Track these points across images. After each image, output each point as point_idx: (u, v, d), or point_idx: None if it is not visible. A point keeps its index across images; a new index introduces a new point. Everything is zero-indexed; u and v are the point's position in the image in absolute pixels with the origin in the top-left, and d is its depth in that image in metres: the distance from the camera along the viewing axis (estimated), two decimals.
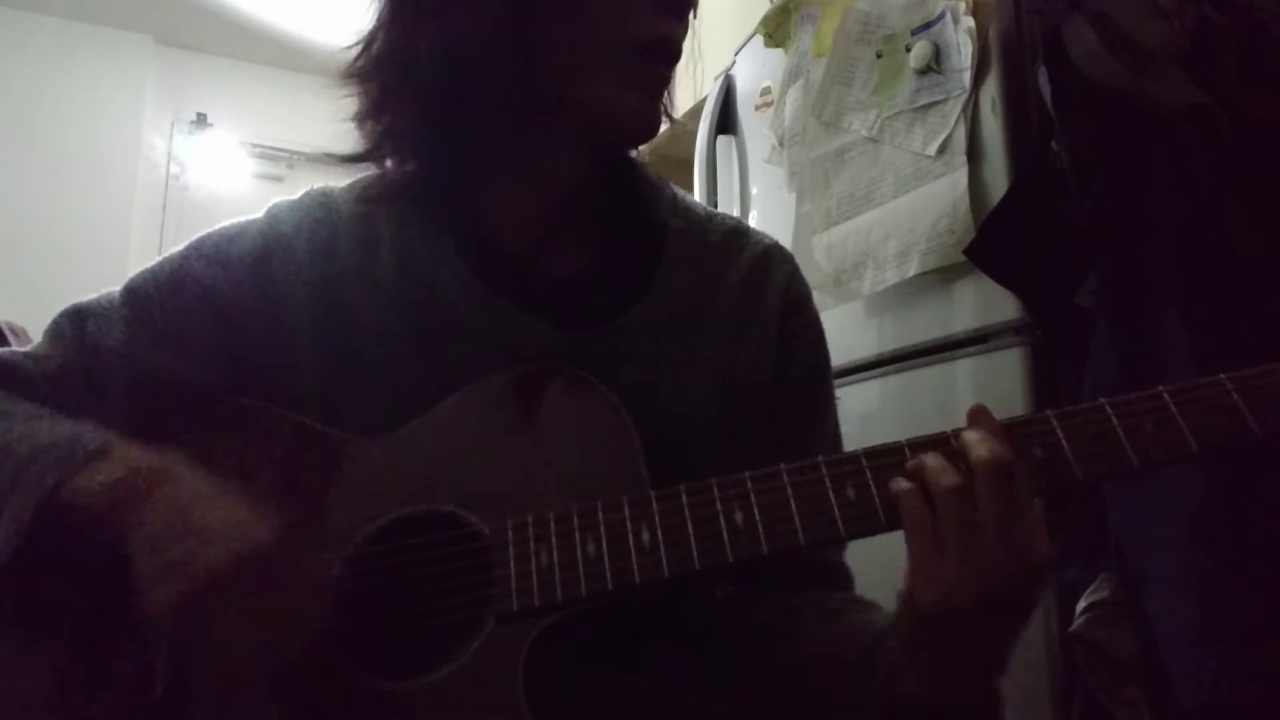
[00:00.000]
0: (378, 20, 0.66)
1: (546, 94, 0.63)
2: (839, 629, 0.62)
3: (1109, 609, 1.01)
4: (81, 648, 0.57)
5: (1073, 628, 1.03)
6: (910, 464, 0.51)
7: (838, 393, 0.77)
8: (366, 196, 0.69)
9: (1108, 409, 0.51)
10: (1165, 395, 0.51)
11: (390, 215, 0.68)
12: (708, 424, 0.65)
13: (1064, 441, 0.51)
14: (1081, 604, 1.04)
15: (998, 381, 1.21)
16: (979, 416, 0.52)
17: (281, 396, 0.63)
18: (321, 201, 0.70)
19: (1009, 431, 0.51)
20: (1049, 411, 0.52)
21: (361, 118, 0.66)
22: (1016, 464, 0.49)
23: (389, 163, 0.68)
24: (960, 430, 0.52)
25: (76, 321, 0.66)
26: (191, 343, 0.65)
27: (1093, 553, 1.06)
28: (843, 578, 0.71)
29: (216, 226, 0.69)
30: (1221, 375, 0.51)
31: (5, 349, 0.65)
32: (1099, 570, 1.04)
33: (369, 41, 0.66)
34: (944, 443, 0.52)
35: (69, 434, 0.57)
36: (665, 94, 0.65)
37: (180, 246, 0.69)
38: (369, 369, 0.63)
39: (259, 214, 0.70)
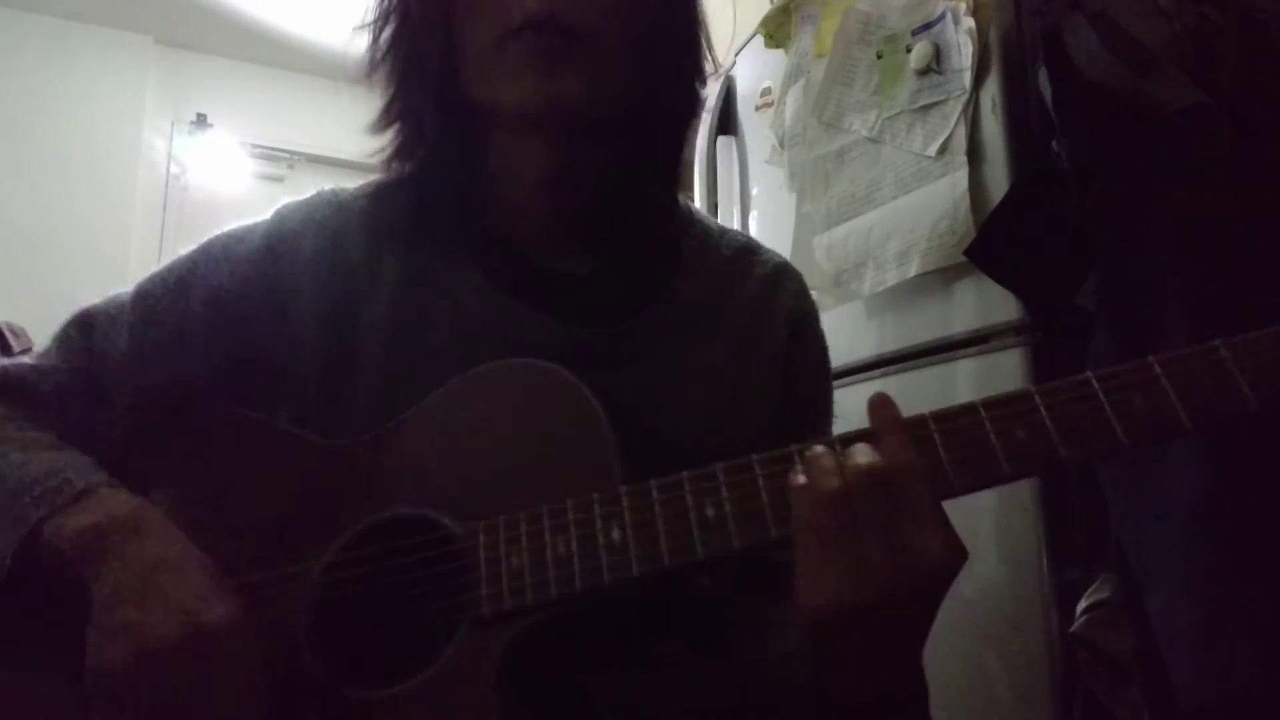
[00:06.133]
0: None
1: (469, 100, 0.64)
2: (779, 637, 0.61)
3: (1109, 609, 1.01)
4: (49, 684, 0.57)
5: (1073, 628, 1.03)
6: (806, 458, 0.49)
7: (838, 394, 0.78)
8: (378, 194, 0.70)
9: (1094, 383, 0.48)
10: (1156, 366, 0.48)
11: (398, 213, 0.69)
12: (706, 435, 0.65)
13: (1048, 420, 0.48)
14: (1081, 604, 1.04)
15: (998, 382, 1.21)
16: (879, 410, 0.50)
17: (285, 394, 0.64)
18: (330, 200, 0.71)
19: (913, 427, 0.49)
20: (1033, 389, 0.49)
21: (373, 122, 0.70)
22: (899, 470, 0.47)
23: (396, 165, 0.69)
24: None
25: (84, 329, 0.67)
26: (196, 345, 0.66)
27: (1093, 553, 1.07)
28: None
29: (224, 229, 0.70)
30: (1216, 342, 0.47)
31: (12, 361, 0.66)
32: (1099, 570, 1.04)
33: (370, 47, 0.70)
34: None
35: (59, 468, 0.58)
36: (566, 67, 0.60)
37: (188, 250, 0.70)
38: (364, 365, 0.64)
39: (267, 215, 0.71)
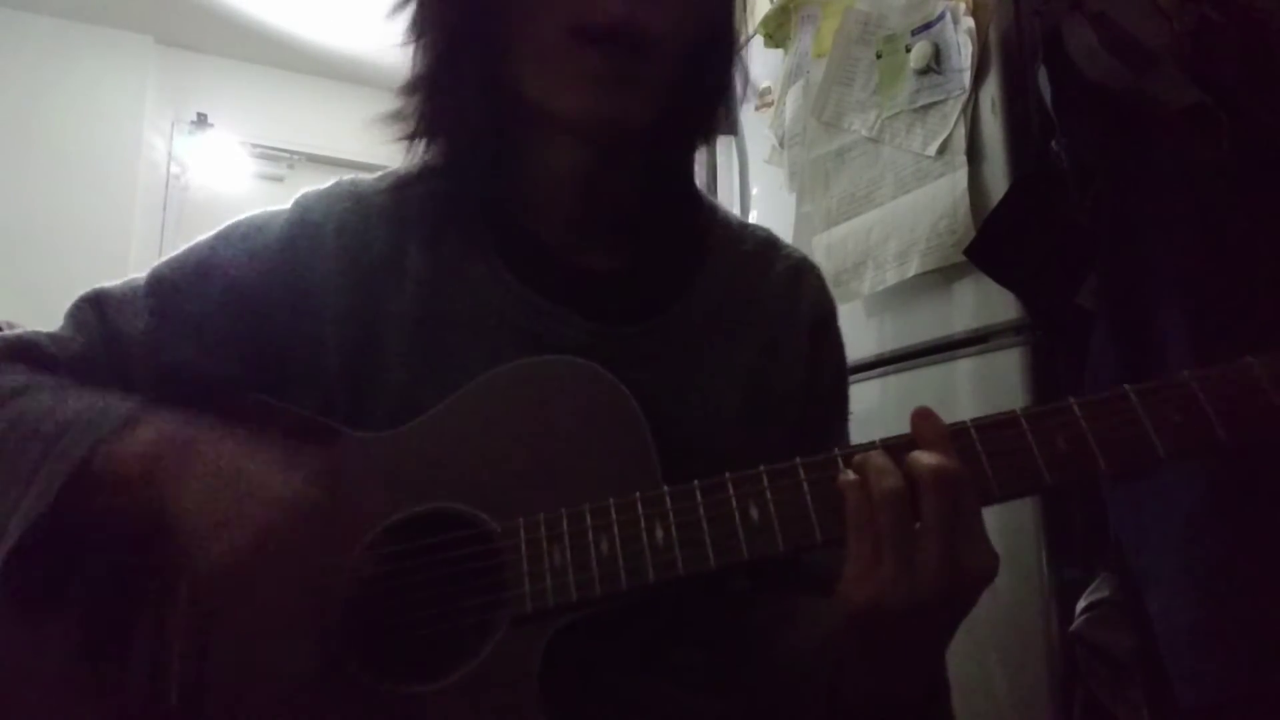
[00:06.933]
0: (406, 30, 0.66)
1: (515, 90, 0.61)
2: (797, 632, 0.62)
3: (1109, 609, 1.01)
4: (100, 623, 0.56)
5: (1073, 628, 1.03)
6: (856, 459, 0.50)
7: None
8: (399, 186, 0.69)
9: (1132, 396, 0.49)
10: (1193, 385, 0.49)
11: (421, 205, 0.67)
12: (732, 431, 0.65)
13: (1089, 432, 0.49)
14: (1081, 604, 1.04)
15: (998, 381, 1.21)
16: (923, 421, 0.51)
17: (309, 387, 0.62)
18: (351, 192, 0.69)
19: (957, 438, 0.50)
20: (1072, 400, 0.50)
21: (395, 119, 0.67)
22: (963, 476, 0.48)
23: (420, 155, 0.68)
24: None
25: (97, 307, 0.65)
26: (215, 333, 0.63)
27: (1093, 553, 1.06)
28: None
29: (243, 216, 0.68)
30: (1249, 358, 0.49)
31: (23, 329, 0.64)
32: (1099, 570, 1.04)
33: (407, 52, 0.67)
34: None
35: (98, 403, 0.57)
36: (635, 84, 0.59)
37: (207, 235, 0.68)
38: (388, 360, 0.62)
39: (286, 205, 0.69)
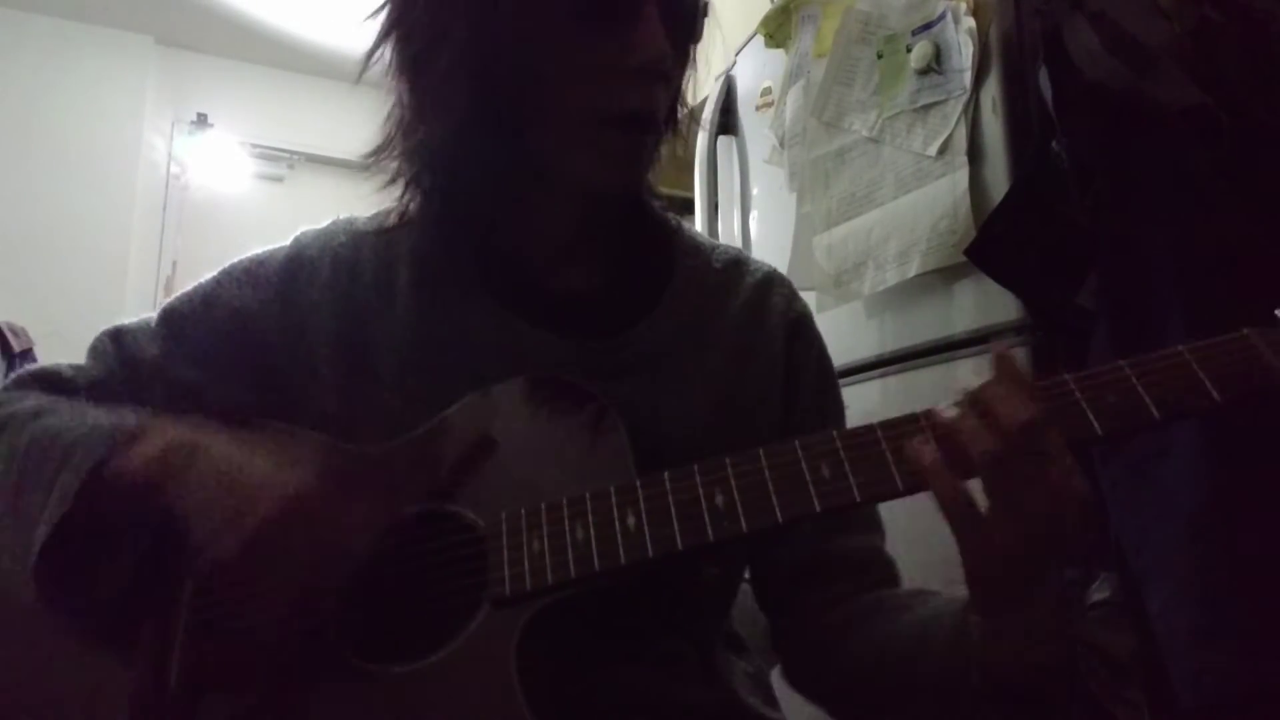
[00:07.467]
0: (393, 98, 0.70)
1: (537, 162, 0.67)
2: (916, 617, 0.63)
3: (1109, 609, 1.01)
4: (117, 614, 0.60)
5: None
6: (939, 429, 0.51)
7: None
8: (387, 225, 0.73)
9: (1071, 382, 0.53)
10: (1126, 369, 0.53)
11: (410, 235, 0.72)
12: (707, 439, 0.67)
13: (1083, 402, 0.51)
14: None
15: None
16: (1001, 363, 0.51)
17: (305, 410, 0.67)
18: (346, 228, 0.75)
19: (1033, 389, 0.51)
20: (1067, 375, 0.53)
21: (389, 181, 0.71)
22: (1044, 417, 0.48)
23: (410, 193, 0.71)
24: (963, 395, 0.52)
25: (116, 339, 0.71)
26: (221, 360, 0.69)
27: (1093, 553, 1.06)
28: (891, 567, 0.73)
29: (247, 254, 0.74)
30: (1179, 347, 0.53)
31: (52, 363, 0.71)
32: (1099, 570, 1.04)
33: (388, 118, 0.71)
34: (913, 421, 0.53)
35: (109, 419, 0.62)
36: (648, 156, 0.68)
37: (213, 273, 0.74)
38: (382, 382, 0.67)
39: (286, 242, 0.74)
